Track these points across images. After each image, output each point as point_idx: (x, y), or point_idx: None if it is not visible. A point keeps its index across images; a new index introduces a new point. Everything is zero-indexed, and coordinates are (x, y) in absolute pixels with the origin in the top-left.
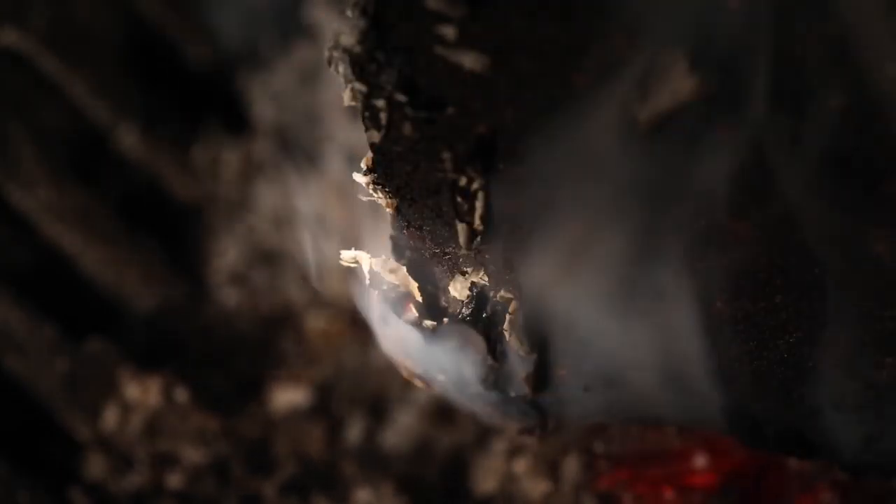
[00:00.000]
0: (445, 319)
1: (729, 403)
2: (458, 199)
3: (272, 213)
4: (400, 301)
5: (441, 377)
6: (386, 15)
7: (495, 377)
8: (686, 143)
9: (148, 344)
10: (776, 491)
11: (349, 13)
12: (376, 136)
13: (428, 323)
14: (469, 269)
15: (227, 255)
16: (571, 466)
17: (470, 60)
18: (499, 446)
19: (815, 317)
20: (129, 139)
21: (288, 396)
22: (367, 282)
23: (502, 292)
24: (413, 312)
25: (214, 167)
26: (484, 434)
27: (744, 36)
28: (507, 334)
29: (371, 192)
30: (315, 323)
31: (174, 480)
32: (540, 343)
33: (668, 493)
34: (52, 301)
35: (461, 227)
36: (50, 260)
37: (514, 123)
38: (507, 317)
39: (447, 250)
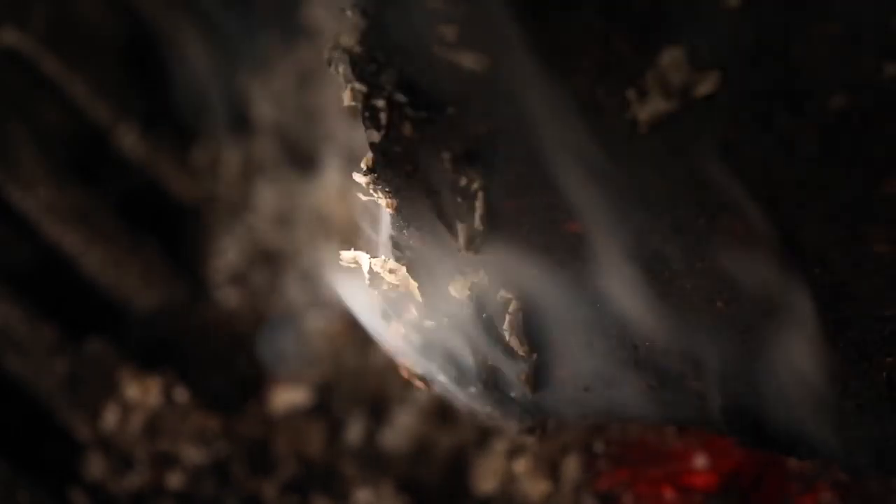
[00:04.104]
0: (445, 319)
1: (729, 403)
2: (458, 199)
3: (272, 213)
4: (400, 301)
5: (441, 377)
6: (386, 15)
7: (495, 377)
8: (685, 142)
9: (148, 344)
10: (776, 491)
11: (349, 13)
12: (376, 136)
13: (428, 323)
14: (469, 269)
15: (227, 255)
16: (571, 466)
17: (470, 60)
18: (499, 446)
19: (815, 317)
20: (129, 139)
21: (288, 396)
22: (367, 282)
23: (502, 292)
24: (413, 312)
25: (214, 167)
26: (484, 434)
27: (744, 36)
28: (507, 334)
29: (371, 192)
30: (315, 323)
31: (174, 480)
32: (540, 343)
33: (668, 493)
34: (52, 301)
35: (461, 227)
36: (50, 260)
37: (514, 123)
38: (507, 317)
39: (447, 250)
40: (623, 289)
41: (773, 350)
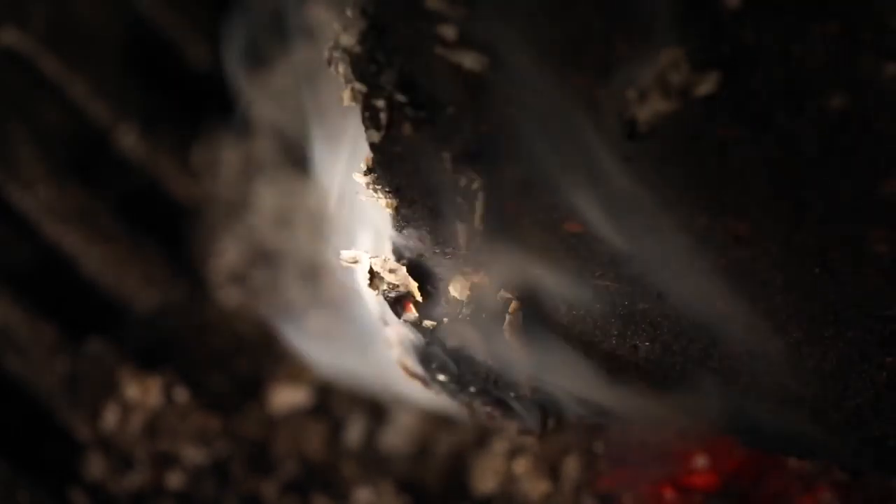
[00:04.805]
0: (445, 319)
1: (729, 403)
2: (458, 199)
3: (272, 213)
4: (400, 301)
5: (441, 377)
6: (386, 15)
7: (495, 377)
8: (685, 143)
9: (148, 344)
10: (776, 491)
11: (349, 13)
12: (376, 136)
13: (428, 323)
14: (469, 269)
15: (227, 255)
16: (571, 466)
17: (470, 60)
18: (499, 446)
19: (815, 317)
20: (129, 139)
21: (288, 396)
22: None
23: (502, 292)
24: (413, 312)
25: (214, 167)
26: (484, 434)
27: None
28: (507, 334)
29: (371, 192)
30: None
31: (174, 480)
32: (540, 343)
33: (669, 494)
34: (52, 301)
35: (461, 227)
36: (50, 260)
37: (514, 123)
38: (507, 317)
39: (447, 250)
40: (623, 288)
41: (774, 349)
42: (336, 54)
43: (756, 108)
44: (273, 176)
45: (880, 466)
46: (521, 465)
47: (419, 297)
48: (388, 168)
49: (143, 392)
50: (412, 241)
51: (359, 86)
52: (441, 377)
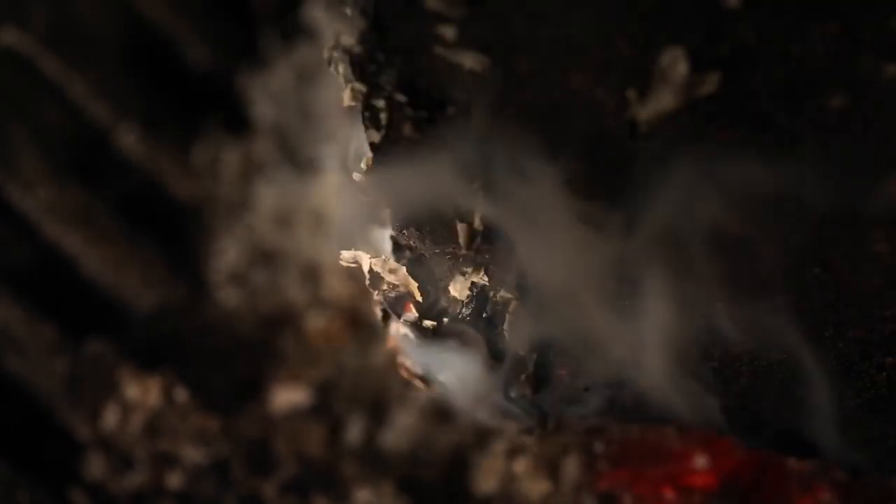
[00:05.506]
0: (445, 319)
1: (729, 403)
2: (458, 199)
3: (272, 213)
4: (400, 301)
5: (441, 377)
6: (386, 15)
7: (495, 377)
8: (685, 143)
9: (148, 344)
10: (776, 491)
11: (349, 13)
12: (376, 136)
13: (428, 323)
14: (469, 269)
15: (227, 255)
16: (571, 466)
17: (470, 60)
18: (499, 446)
19: (815, 317)
20: (129, 139)
21: (288, 396)
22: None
23: (502, 292)
24: (413, 312)
25: (214, 167)
26: (484, 434)
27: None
28: (506, 334)
29: (371, 192)
30: (315, 323)
31: (174, 480)
32: (540, 343)
33: (668, 493)
34: (52, 301)
35: (461, 227)
36: (50, 260)
37: (515, 123)
38: (507, 317)
39: (447, 250)
40: (623, 288)
41: (774, 350)
42: (336, 54)
43: (756, 108)
44: (273, 176)
45: (880, 466)
46: (521, 465)
47: (419, 297)
48: (388, 168)
49: (143, 392)
50: (412, 241)
51: (359, 86)
52: (441, 377)
